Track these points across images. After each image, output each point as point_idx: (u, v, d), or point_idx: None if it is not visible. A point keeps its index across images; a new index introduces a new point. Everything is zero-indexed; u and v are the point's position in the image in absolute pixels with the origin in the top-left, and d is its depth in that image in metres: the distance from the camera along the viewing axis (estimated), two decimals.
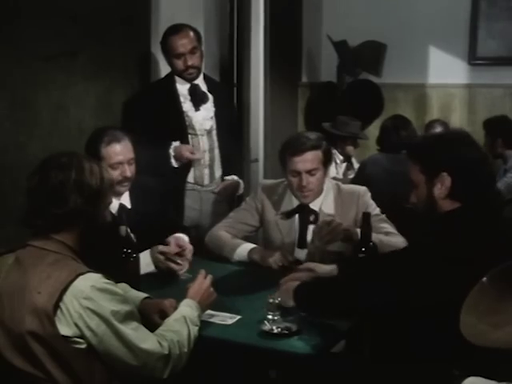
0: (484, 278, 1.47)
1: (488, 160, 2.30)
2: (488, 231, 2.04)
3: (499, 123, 4.83)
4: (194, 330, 2.05)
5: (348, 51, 5.66)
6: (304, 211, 2.95)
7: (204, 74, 3.65)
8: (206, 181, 3.63)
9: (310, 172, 2.84)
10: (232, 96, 4.02)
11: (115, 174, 2.75)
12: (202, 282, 2.22)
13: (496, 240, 2.02)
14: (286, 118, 5.70)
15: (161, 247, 2.75)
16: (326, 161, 2.90)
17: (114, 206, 2.83)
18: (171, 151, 3.42)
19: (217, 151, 3.62)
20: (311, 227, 2.94)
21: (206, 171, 3.61)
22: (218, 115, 3.59)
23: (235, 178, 3.71)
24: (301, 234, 2.96)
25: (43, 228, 1.91)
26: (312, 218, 2.94)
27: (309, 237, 2.95)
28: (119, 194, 2.85)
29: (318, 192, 2.92)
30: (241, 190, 3.78)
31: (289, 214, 2.99)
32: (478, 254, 1.94)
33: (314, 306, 2.23)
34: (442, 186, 2.10)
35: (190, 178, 3.61)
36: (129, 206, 2.88)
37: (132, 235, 2.85)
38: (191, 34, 3.50)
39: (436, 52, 5.67)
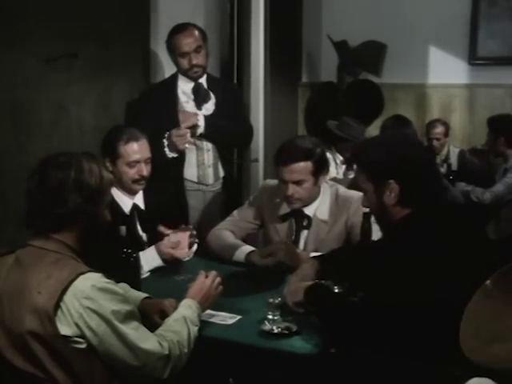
0: (487, 281, 1.43)
1: (433, 160, 2.29)
2: (443, 232, 2.04)
3: (502, 122, 4.82)
4: (194, 330, 2.05)
5: (348, 51, 5.67)
6: (298, 215, 2.96)
7: (207, 73, 3.64)
8: (211, 180, 3.64)
9: (296, 182, 2.82)
10: (236, 94, 3.98)
11: (132, 173, 2.81)
12: (203, 282, 2.22)
13: (452, 240, 2.03)
14: (286, 117, 5.70)
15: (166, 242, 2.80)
16: (318, 170, 2.84)
17: (128, 204, 2.86)
18: (165, 140, 3.42)
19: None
20: (305, 232, 2.95)
21: (210, 170, 3.62)
22: (218, 114, 3.58)
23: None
24: (294, 238, 2.97)
25: (43, 228, 1.91)
26: (305, 222, 2.94)
27: (301, 241, 2.96)
28: (134, 193, 2.88)
29: (310, 199, 2.90)
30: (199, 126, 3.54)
31: (283, 218, 3.00)
32: (437, 257, 1.95)
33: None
34: (391, 194, 2.10)
35: (194, 177, 3.61)
36: (142, 206, 2.90)
37: (144, 235, 2.88)
38: (196, 32, 3.50)
39: (436, 52, 5.67)
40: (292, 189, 2.82)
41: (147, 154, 2.86)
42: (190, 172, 3.61)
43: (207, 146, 3.58)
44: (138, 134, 2.85)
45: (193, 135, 3.48)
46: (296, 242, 2.96)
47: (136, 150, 2.82)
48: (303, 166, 2.80)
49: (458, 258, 1.98)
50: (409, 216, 2.11)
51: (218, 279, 2.26)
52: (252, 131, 3.96)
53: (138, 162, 2.82)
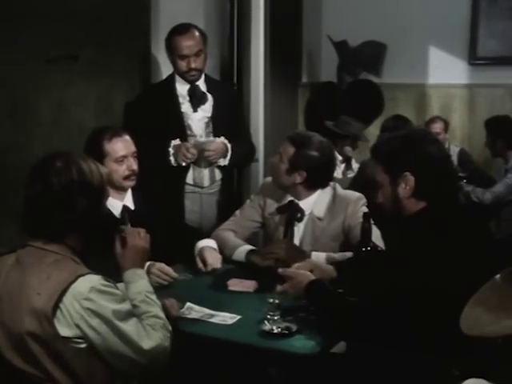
0: (497, 276, 1.47)
1: (450, 158, 2.31)
2: (455, 229, 2.04)
3: (501, 123, 4.83)
4: (156, 299, 2.03)
5: (348, 51, 5.67)
6: (292, 208, 2.97)
7: (205, 75, 3.61)
8: (206, 182, 3.59)
9: (280, 157, 2.92)
10: (236, 96, 3.94)
11: (122, 169, 2.80)
12: (135, 245, 2.13)
13: (463, 237, 2.03)
14: (286, 117, 5.70)
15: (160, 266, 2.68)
16: (296, 163, 2.86)
17: (118, 206, 2.85)
18: (170, 149, 3.40)
19: None
20: (301, 227, 2.96)
21: (206, 172, 3.57)
22: (216, 116, 3.55)
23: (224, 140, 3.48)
24: (285, 230, 2.98)
25: (54, 236, 1.89)
26: (298, 215, 2.96)
27: (296, 237, 2.96)
28: (126, 190, 2.87)
29: (280, 183, 2.95)
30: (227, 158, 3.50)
31: (280, 209, 3.01)
32: (448, 253, 1.96)
33: (323, 312, 2.25)
34: (406, 186, 2.11)
35: (190, 179, 3.60)
36: (132, 207, 2.89)
37: None
38: (198, 35, 3.46)
39: (436, 52, 5.67)
40: (275, 157, 2.97)
41: (132, 148, 2.85)
42: (187, 174, 3.59)
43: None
44: (120, 131, 2.85)
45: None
46: (286, 233, 2.97)
47: (121, 145, 2.80)
48: (286, 147, 2.90)
49: (467, 256, 1.98)
50: (422, 210, 2.12)
51: (143, 230, 2.18)
52: (254, 150, 3.89)
53: (125, 156, 2.81)
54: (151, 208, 2.89)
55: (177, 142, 3.43)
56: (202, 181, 3.59)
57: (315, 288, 2.27)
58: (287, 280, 2.35)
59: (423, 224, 2.09)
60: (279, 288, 2.35)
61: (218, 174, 3.63)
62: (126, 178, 2.82)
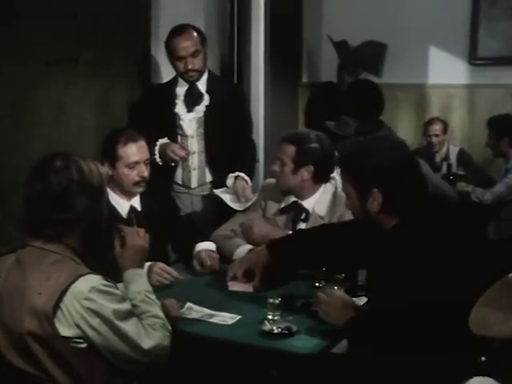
0: (509, 275, 1.47)
1: (416, 160, 2.23)
2: (434, 240, 2.01)
3: (505, 122, 4.82)
4: (156, 300, 2.03)
5: (348, 51, 5.67)
6: (296, 209, 2.98)
7: (209, 74, 3.58)
8: (194, 184, 3.57)
9: (281, 160, 2.91)
10: (234, 95, 3.83)
11: (132, 175, 2.80)
12: (134, 245, 2.12)
13: (447, 245, 2.01)
14: (286, 118, 5.70)
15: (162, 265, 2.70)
16: (300, 161, 2.87)
17: (125, 206, 2.84)
18: (156, 148, 3.39)
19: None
20: (303, 226, 2.96)
21: (195, 173, 3.55)
22: (209, 116, 3.52)
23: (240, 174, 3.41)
24: (292, 231, 2.98)
25: (54, 236, 1.89)
26: (303, 216, 2.96)
27: None
28: (134, 195, 2.86)
29: (286, 185, 2.94)
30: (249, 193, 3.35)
31: (282, 210, 3.02)
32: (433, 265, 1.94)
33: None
34: (374, 202, 2.07)
35: (179, 179, 3.58)
36: (139, 208, 2.89)
37: None
38: (194, 35, 3.43)
39: (436, 52, 5.67)
40: (275, 165, 2.96)
41: (146, 155, 2.85)
42: (176, 174, 3.57)
43: (192, 148, 3.53)
44: (136, 136, 2.82)
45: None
46: None
47: (135, 151, 2.79)
48: (286, 148, 2.90)
49: (454, 262, 1.97)
50: (395, 227, 2.08)
51: (142, 230, 2.18)
52: (255, 148, 3.84)
53: (137, 163, 2.80)
54: (157, 209, 2.89)
55: (164, 140, 3.41)
56: (190, 182, 3.57)
57: (357, 326, 2.12)
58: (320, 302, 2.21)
59: (398, 241, 2.05)
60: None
61: (207, 177, 3.59)
62: (136, 184, 2.82)
